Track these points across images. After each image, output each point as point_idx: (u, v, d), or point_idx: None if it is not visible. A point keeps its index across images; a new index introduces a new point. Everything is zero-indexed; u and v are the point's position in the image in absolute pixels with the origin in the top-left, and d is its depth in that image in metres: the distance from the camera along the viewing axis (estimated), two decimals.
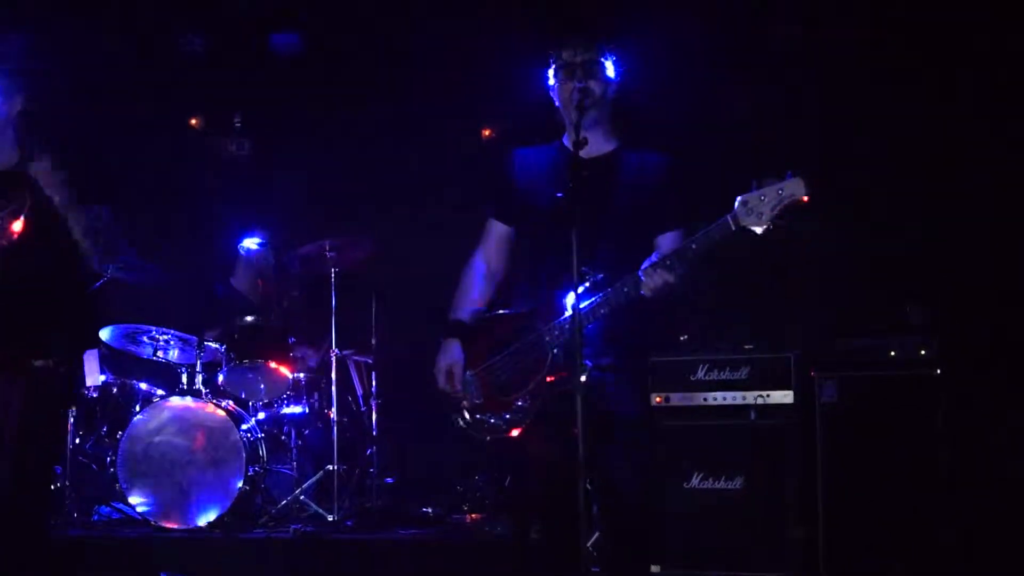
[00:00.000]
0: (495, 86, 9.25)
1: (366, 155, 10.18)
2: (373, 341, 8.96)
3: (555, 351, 5.00)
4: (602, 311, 4.90)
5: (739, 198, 4.69)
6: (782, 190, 4.62)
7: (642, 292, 4.83)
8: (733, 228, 4.70)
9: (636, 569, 5.23)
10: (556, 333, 4.99)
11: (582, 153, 4.95)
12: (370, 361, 9.07)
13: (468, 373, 5.29)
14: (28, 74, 5.57)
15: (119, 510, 8.31)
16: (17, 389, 5.35)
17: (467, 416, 5.28)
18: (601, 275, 4.94)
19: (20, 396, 5.35)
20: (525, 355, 5.11)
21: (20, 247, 5.32)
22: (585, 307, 4.85)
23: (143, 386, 8.85)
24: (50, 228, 5.38)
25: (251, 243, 9.42)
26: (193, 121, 10.79)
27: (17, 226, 5.28)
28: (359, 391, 9.40)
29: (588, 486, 4.59)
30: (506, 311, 5.32)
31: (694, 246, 4.79)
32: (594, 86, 5.14)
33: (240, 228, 9.54)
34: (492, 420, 5.20)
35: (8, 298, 5.32)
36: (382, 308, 9.03)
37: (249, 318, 8.88)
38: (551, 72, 5.28)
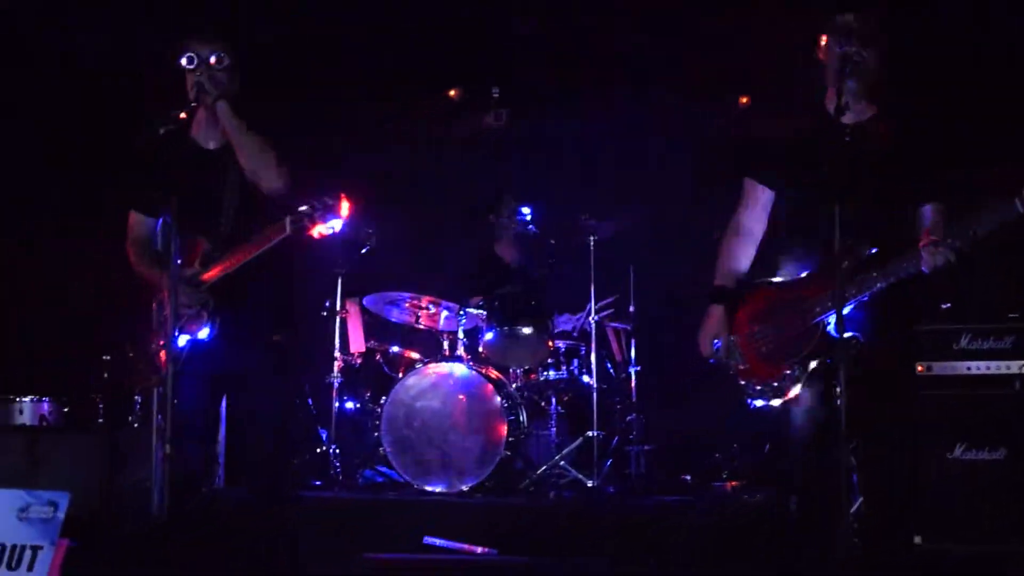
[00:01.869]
0: (752, 51, 9.15)
1: (622, 124, 10.17)
2: (631, 308, 8.97)
3: (823, 321, 4.96)
4: (878, 284, 4.86)
5: None
6: None
7: (923, 268, 4.79)
8: (1022, 210, 4.61)
9: (899, 540, 5.17)
10: (828, 304, 4.94)
11: (845, 119, 4.91)
12: (628, 328, 9.08)
13: (732, 338, 5.29)
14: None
15: (383, 474, 8.52)
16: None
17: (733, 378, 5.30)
18: (874, 249, 4.90)
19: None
20: (793, 324, 5.09)
21: None
22: (859, 278, 4.84)
23: (406, 353, 9.05)
24: None
25: (511, 212, 9.52)
26: (452, 93, 10.95)
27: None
28: (618, 358, 9.42)
29: (851, 456, 4.56)
30: (773, 279, 5.29)
31: (978, 228, 4.71)
32: (867, 52, 5.06)
33: (499, 198, 9.65)
34: (757, 387, 5.20)
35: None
36: (640, 274, 9.03)
37: (510, 285, 8.97)
38: (823, 35, 5.21)
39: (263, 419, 5.63)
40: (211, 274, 5.48)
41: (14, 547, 4.75)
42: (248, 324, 5.56)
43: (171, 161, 5.41)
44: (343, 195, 5.31)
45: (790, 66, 5.69)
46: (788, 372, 5.10)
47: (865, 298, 4.91)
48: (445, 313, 9.01)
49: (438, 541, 6.82)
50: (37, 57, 10.16)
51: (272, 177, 5.53)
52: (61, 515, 4.81)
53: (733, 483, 8.36)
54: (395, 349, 9.11)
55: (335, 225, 5.35)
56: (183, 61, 5.61)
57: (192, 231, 5.54)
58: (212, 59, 5.60)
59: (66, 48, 10.07)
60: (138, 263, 5.74)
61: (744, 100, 10.23)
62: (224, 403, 6.00)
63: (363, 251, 8.83)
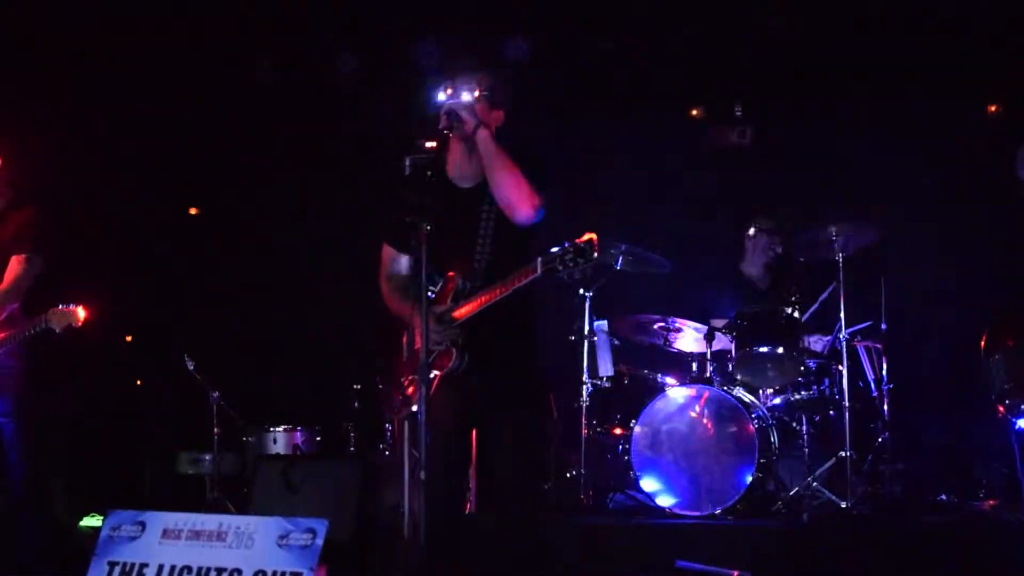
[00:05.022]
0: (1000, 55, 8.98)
1: (871, 138, 10.04)
2: (883, 326, 8.79)
3: None
4: None
5: None
6: None
7: None
8: None
9: None
10: None
11: None
12: (880, 346, 8.91)
13: (997, 358, 5.17)
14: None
15: (633, 497, 8.54)
16: None
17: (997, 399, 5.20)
18: None
19: None
20: None
21: None
22: None
23: (655, 375, 9.05)
24: None
25: (757, 229, 9.46)
26: (695, 112, 10.95)
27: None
28: (870, 376, 9.23)
29: None
30: None
31: None
32: None
33: (744, 215, 9.60)
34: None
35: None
36: (891, 292, 8.85)
37: (759, 305, 8.89)
38: None
39: (512, 447, 5.67)
40: (462, 312, 5.52)
41: (274, 573, 4.92)
42: (498, 357, 5.61)
43: (426, 197, 5.47)
44: (595, 237, 5.27)
45: None
46: None
47: None
48: (694, 334, 9.00)
49: (691, 565, 6.80)
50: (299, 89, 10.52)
51: (526, 208, 5.54)
52: (320, 542, 4.95)
53: (992, 501, 8.14)
54: (644, 372, 9.12)
55: (585, 268, 5.32)
56: (439, 93, 5.66)
57: (445, 267, 5.62)
58: (467, 91, 5.65)
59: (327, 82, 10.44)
60: (390, 298, 5.80)
61: (993, 109, 10.00)
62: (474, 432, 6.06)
63: (609, 273, 8.85)
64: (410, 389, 5.54)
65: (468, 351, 5.51)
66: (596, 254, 5.19)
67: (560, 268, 5.19)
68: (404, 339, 5.65)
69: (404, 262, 5.77)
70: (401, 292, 5.70)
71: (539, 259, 5.28)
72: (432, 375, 5.52)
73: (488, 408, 5.63)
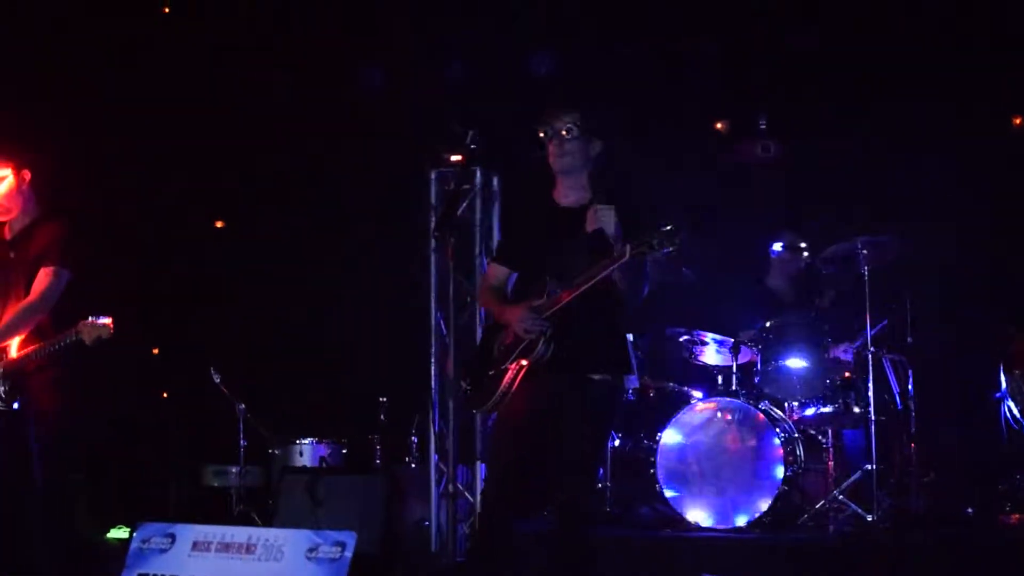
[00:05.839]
0: None
1: (896, 151, 10.01)
2: (909, 339, 8.77)
3: None
4: None
5: None
6: None
7: None
8: None
9: None
10: None
11: None
12: (905, 359, 8.88)
13: (1017, 373, 5.16)
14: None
15: (659, 511, 8.52)
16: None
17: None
18: None
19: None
20: None
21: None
22: None
23: (680, 388, 9.04)
24: None
25: (782, 243, 9.44)
26: (719, 125, 10.93)
27: None
28: (895, 389, 9.20)
29: None
30: None
31: None
32: None
33: (771, 229, 9.58)
34: None
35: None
36: (917, 305, 8.83)
37: (783, 318, 8.88)
38: None
39: (570, 451, 5.72)
40: (555, 306, 5.69)
41: None
42: (581, 354, 5.74)
43: (534, 221, 6.04)
44: (680, 226, 5.35)
45: None
46: None
47: None
48: (719, 347, 8.98)
49: None
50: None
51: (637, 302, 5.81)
52: (349, 555, 4.98)
53: (1017, 515, 8.11)
54: (669, 385, 9.11)
55: (671, 252, 5.43)
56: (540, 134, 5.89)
57: (547, 274, 5.81)
58: (563, 131, 5.88)
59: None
60: (489, 301, 6.19)
61: (1018, 121, 9.97)
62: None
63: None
64: (507, 375, 5.77)
65: (553, 342, 5.67)
66: (680, 238, 5.30)
67: (647, 251, 5.29)
68: (497, 340, 5.96)
69: (507, 276, 6.14)
70: (498, 301, 6.05)
71: (627, 245, 5.37)
72: (521, 363, 5.75)
73: (557, 408, 5.69)
